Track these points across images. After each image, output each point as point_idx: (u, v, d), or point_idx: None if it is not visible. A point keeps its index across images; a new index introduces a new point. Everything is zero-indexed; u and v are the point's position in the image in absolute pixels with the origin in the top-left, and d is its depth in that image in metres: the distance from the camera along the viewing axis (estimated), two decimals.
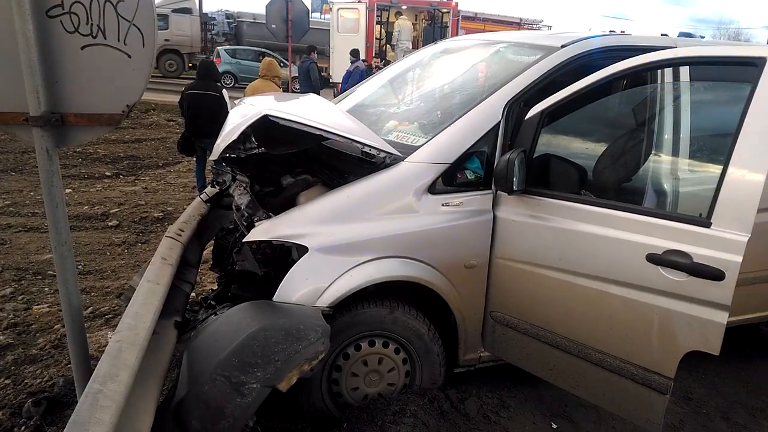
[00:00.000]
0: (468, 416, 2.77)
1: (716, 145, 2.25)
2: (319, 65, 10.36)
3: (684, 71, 2.79)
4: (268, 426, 2.57)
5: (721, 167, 2.13)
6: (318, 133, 2.54)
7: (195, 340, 2.18)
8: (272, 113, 2.52)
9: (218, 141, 2.77)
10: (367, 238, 2.53)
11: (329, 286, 2.46)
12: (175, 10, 21.54)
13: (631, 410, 2.48)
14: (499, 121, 2.71)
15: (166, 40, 21.06)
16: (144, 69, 2.01)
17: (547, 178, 2.68)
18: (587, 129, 2.90)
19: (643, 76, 2.78)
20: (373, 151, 2.63)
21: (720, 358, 3.63)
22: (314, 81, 9.68)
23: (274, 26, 11.63)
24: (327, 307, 2.43)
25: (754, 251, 3.01)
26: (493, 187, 2.70)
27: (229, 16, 27.07)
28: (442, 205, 2.64)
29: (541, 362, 2.73)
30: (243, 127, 2.58)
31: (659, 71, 2.76)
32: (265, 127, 2.66)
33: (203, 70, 6.48)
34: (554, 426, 2.84)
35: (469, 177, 2.72)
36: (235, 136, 2.61)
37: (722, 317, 2.15)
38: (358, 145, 2.63)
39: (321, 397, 2.66)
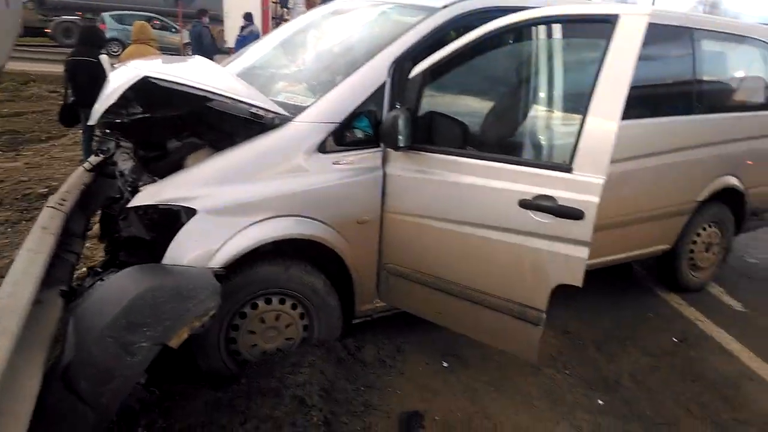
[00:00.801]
0: (365, 362, 2.91)
1: (582, 99, 2.46)
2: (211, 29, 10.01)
3: (557, 29, 2.98)
4: (166, 389, 2.57)
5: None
6: (201, 94, 2.52)
7: (81, 305, 2.15)
8: (152, 74, 2.47)
9: (96, 105, 2.67)
10: (258, 199, 2.56)
11: (221, 247, 2.48)
12: None
13: (510, 343, 2.71)
14: (385, 81, 2.80)
15: None
16: (10, 30, 1.92)
17: (431, 134, 2.80)
18: (468, 86, 3.04)
19: (519, 34, 2.94)
20: (261, 112, 2.64)
21: (596, 294, 4.03)
22: (206, 46, 9.33)
23: None
24: (220, 267, 2.45)
25: (617, 198, 3.33)
26: (381, 144, 2.80)
27: None
28: (333, 163, 2.71)
29: (431, 307, 2.91)
30: (122, 90, 2.51)
31: (533, 29, 2.93)
32: (146, 90, 2.60)
33: (84, 36, 6.10)
34: (445, 364, 3.05)
35: (358, 136, 2.80)
36: (113, 100, 2.53)
37: (584, 252, 2.39)
38: (245, 106, 2.63)
39: (219, 356, 2.70)
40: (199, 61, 3.35)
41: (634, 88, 3.60)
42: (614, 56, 2.30)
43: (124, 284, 2.18)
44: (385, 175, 2.80)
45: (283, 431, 2.22)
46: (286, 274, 2.72)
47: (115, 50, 17.58)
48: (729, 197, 4.28)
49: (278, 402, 2.36)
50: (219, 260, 2.47)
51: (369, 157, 2.79)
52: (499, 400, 2.83)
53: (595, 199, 2.32)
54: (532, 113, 2.95)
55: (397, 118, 2.56)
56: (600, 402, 2.91)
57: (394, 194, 2.82)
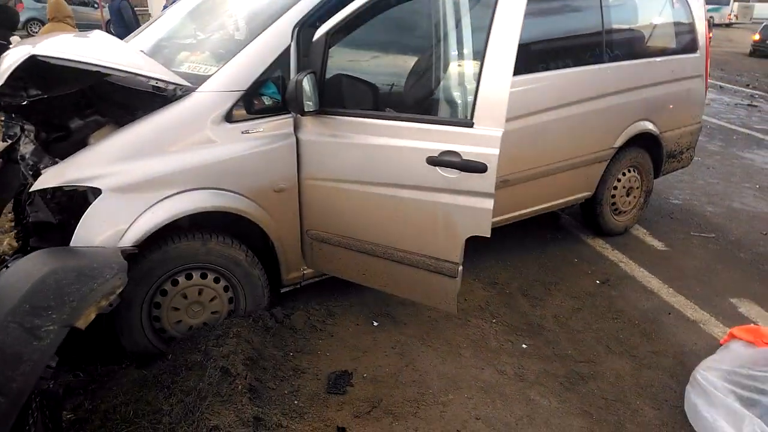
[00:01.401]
0: (295, 328, 2.95)
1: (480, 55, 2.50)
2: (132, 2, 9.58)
3: None
4: (92, 372, 2.56)
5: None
6: (95, 69, 2.44)
7: None
8: (39, 53, 2.37)
9: None
10: (166, 173, 2.52)
11: (131, 225, 2.45)
12: None
13: (431, 297, 2.78)
14: (290, 45, 2.77)
15: None
16: None
17: (340, 97, 2.81)
18: (373, 46, 3.04)
19: None
20: (161, 84, 2.59)
21: (523, 244, 4.17)
22: (128, 21, 8.92)
23: None
24: (131, 246, 2.42)
25: (536, 149, 3.40)
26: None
27: None
28: (242, 132, 2.69)
29: (355, 269, 2.95)
30: (9, 71, 2.40)
31: None
32: (39, 69, 2.50)
33: None
34: (376, 323, 3.12)
35: (267, 103, 2.78)
36: (1, 81, 2.43)
37: (489, 204, 2.46)
38: (144, 80, 2.57)
39: (143, 335, 2.69)
40: (99, 36, 3.23)
41: (543, 41, 3.82)
42: (502, 9, 2.34)
43: (27, 269, 2.12)
44: (298, 142, 2.80)
45: (208, 401, 2.24)
46: (205, 248, 2.70)
47: (35, 30, 16.75)
48: (646, 142, 4.45)
49: (202, 374, 2.37)
50: (129, 239, 2.43)
51: (280, 124, 2.77)
52: (428, 353, 2.91)
53: (496, 151, 2.38)
54: (435, 70, 2.98)
55: (300, 83, 2.54)
56: (524, 345, 3.03)
57: (308, 160, 2.82)
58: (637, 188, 4.56)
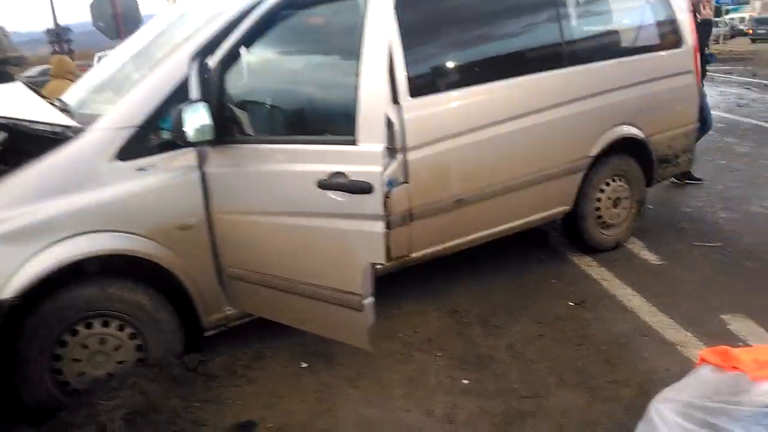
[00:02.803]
0: (211, 375, 2.74)
1: None
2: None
3: None
4: None
5: None
6: None
7: None
8: None
9: None
10: (52, 217, 2.41)
11: (13, 274, 2.33)
12: None
13: (342, 332, 2.56)
14: (188, 76, 2.64)
15: None
16: None
17: (240, 124, 2.66)
18: (262, 70, 2.87)
19: (296, 11, 2.75)
20: (46, 127, 2.51)
21: (496, 268, 3.84)
22: None
23: (102, 24, 11.00)
24: (12, 297, 2.31)
25: (498, 163, 3.14)
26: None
27: None
28: (137, 169, 2.56)
29: (273, 306, 2.76)
30: None
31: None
32: None
33: None
34: (304, 365, 2.88)
35: (166, 137, 2.65)
36: None
37: (380, 227, 2.22)
38: (27, 125, 2.50)
39: (45, 388, 2.54)
40: (9, 87, 3.22)
41: (493, 49, 3.57)
42: (371, 20, 2.16)
43: None
44: (204, 175, 2.65)
45: None
46: (104, 294, 2.56)
47: None
48: (630, 147, 4.08)
49: None
50: (11, 289, 2.32)
51: (179, 157, 2.63)
52: (353, 396, 2.65)
53: (378, 169, 2.15)
54: (322, 88, 2.78)
55: (180, 113, 2.41)
56: (465, 381, 2.72)
57: (216, 193, 2.66)
58: (626, 198, 4.18)
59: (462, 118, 3.31)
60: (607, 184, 4.07)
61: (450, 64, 3.41)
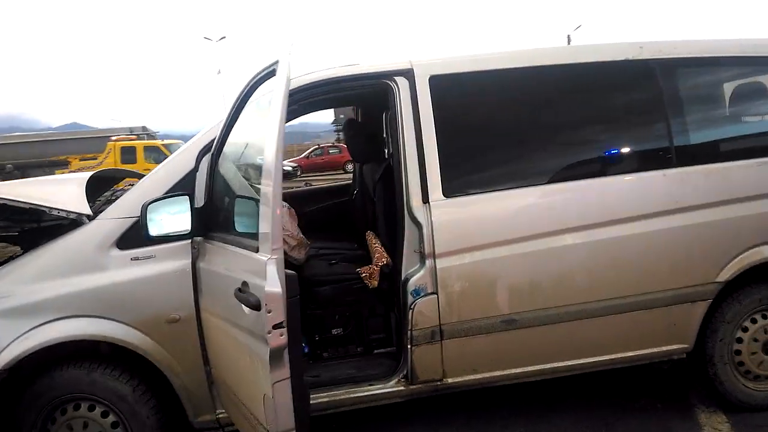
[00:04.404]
0: None
1: None
2: None
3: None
4: None
5: None
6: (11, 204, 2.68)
7: None
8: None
9: None
10: (48, 298, 2.56)
11: (4, 349, 2.51)
12: None
13: None
14: (191, 170, 2.68)
15: None
16: None
17: (218, 220, 2.59)
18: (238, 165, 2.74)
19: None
20: (62, 213, 2.71)
21: (577, 417, 3.01)
22: None
23: None
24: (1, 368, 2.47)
25: (577, 279, 2.64)
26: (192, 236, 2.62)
27: None
28: (132, 259, 2.62)
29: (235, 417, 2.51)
30: None
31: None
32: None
33: None
34: None
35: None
36: None
37: (264, 351, 1.88)
38: (47, 210, 2.72)
39: None
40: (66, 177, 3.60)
41: (568, 142, 2.95)
42: (269, 128, 1.96)
43: None
44: (196, 269, 2.60)
45: None
46: (89, 378, 2.61)
47: None
48: None
49: None
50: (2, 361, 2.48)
51: (173, 249, 2.62)
52: None
53: (261, 282, 1.85)
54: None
55: (145, 208, 2.41)
56: None
57: (202, 290, 2.59)
58: None
59: (512, 223, 2.76)
60: (753, 321, 3.00)
61: (498, 160, 2.91)
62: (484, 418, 3.11)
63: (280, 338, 1.80)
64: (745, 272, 2.90)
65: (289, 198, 4.17)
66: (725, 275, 2.88)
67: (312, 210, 4.41)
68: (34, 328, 2.53)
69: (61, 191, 2.94)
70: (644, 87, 2.94)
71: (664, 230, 2.82)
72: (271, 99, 1.99)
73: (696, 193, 2.85)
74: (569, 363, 2.90)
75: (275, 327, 1.81)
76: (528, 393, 3.20)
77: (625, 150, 2.96)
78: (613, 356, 2.94)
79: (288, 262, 3.31)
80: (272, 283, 1.81)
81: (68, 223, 2.74)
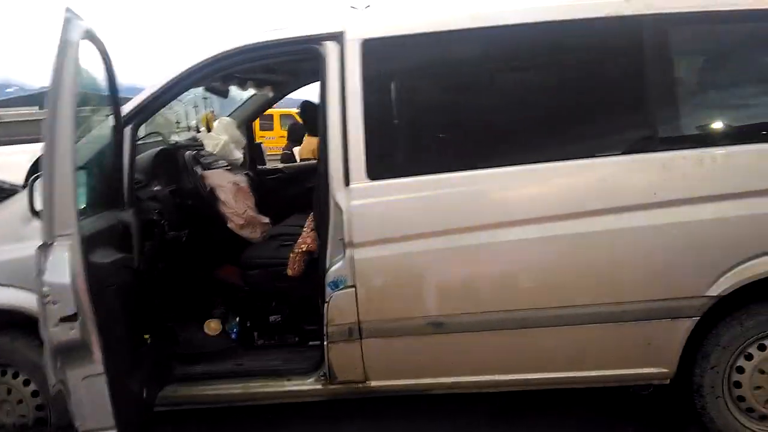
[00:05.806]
0: None
1: None
2: None
3: None
4: None
5: None
6: None
7: None
8: None
9: None
10: None
11: None
12: None
13: None
14: None
15: None
16: None
17: None
18: None
19: None
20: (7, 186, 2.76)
21: None
22: None
23: None
24: None
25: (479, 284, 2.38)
26: None
27: None
28: None
29: None
30: None
31: None
32: None
33: None
34: None
35: None
36: None
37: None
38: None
39: None
40: None
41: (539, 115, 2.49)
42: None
43: None
44: None
45: None
46: (11, 346, 2.64)
47: None
48: None
49: None
50: None
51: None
52: None
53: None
54: None
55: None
56: None
57: None
58: None
59: (444, 213, 2.39)
60: (762, 348, 2.38)
61: (436, 139, 2.51)
62: None
63: (70, 332, 1.65)
64: (747, 287, 2.29)
65: (273, 179, 4.02)
66: (718, 289, 2.29)
67: (297, 192, 4.18)
68: None
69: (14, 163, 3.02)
70: (626, 51, 2.38)
71: (639, 228, 2.30)
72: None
73: (684, 184, 2.29)
74: (515, 377, 2.50)
75: (63, 320, 1.66)
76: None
77: (595, 130, 2.43)
78: (571, 374, 2.49)
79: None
80: (54, 272, 1.65)
81: (5, 195, 2.80)
